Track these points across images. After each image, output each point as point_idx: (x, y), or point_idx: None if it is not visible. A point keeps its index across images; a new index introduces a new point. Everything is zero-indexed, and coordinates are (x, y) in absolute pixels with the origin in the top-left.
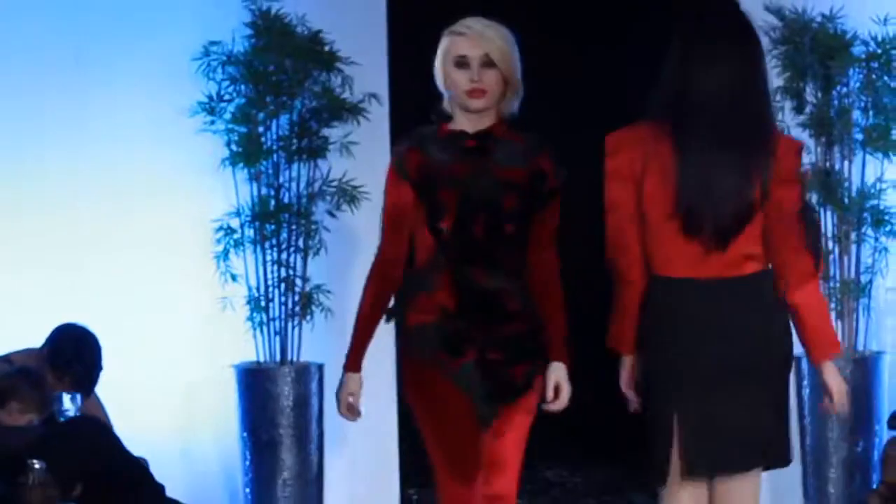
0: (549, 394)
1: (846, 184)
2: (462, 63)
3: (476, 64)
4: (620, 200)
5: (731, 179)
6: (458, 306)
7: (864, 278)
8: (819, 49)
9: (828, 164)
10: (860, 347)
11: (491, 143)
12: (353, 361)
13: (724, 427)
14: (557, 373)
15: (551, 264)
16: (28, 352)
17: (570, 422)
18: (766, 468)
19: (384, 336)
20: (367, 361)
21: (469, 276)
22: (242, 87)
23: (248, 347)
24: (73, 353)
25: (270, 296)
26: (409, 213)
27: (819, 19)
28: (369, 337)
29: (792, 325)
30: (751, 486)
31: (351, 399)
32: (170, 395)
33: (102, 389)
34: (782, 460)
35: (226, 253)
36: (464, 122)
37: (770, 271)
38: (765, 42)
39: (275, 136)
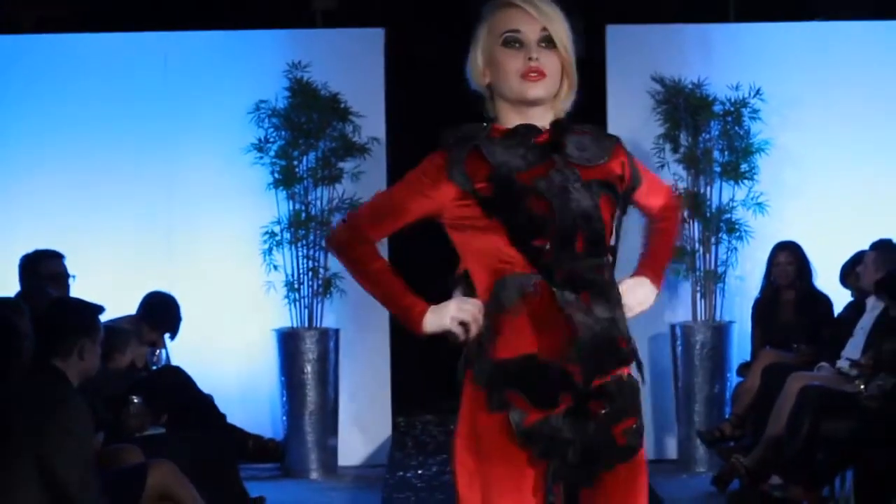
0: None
1: (708, 203)
2: (514, 40)
3: (534, 41)
4: None
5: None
6: (562, 343)
7: (720, 269)
8: (690, 107)
9: (695, 188)
10: (717, 318)
11: (564, 137)
12: (419, 311)
13: None
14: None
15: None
16: (128, 317)
17: None
18: None
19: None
20: (363, 315)
21: (573, 304)
22: (283, 132)
23: (285, 317)
24: (162, 308)
25: (301, 280)
26: (420, 217)
27: (690, 86)
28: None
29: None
30: None
31: (463, 314)
32: (231, 350)
33: (187, 346)
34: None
35: (270, 250)
36: (516, 121)
37: None
38: (650, 102)
39: (305, 168)
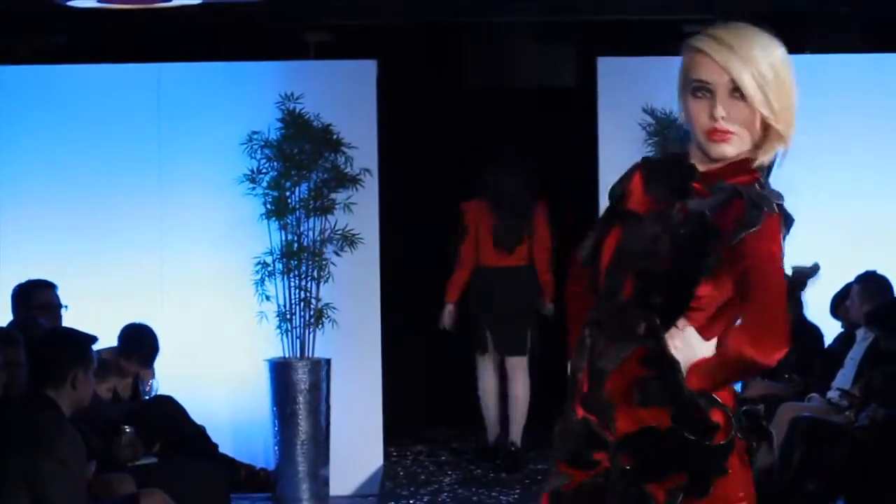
0: None
1: None
2: (701, 89)
3: (723, 92)
4: None
5: None
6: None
7: None
8: (681, 139)
9: None
10: None
11: (702, 185)
12: None
13: None
14: None
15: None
16: (108, 349)
17: None
18: None
19: (370, 319)
20: (355, 346)
21: (596, 351)
22: (275, 163)
23: (277, 347)
24: (136, 339)
25: (293, 311)
26: None
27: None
28: None
29: None
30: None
31: None
32: (223, 380)
33: (179, 376)
34: None
35: (262, 280)
36: (697, 161)
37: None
38: (641, 134)
39: (297, 199)
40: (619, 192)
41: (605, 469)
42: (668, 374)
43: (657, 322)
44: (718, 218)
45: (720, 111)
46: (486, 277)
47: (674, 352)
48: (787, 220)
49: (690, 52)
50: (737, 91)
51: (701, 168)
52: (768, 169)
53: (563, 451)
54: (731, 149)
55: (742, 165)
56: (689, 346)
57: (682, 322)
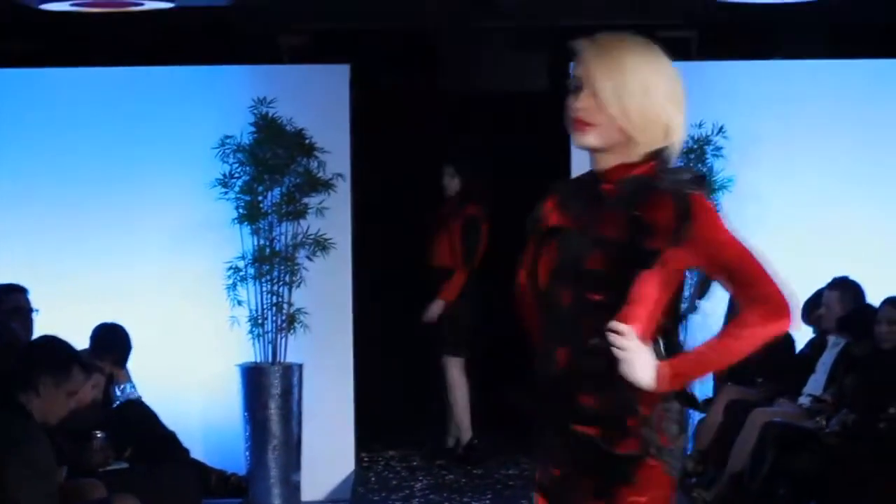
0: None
1: None
2: (572, 87)
3: (582, 87)
4: None
5: None
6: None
7: (683, 305)
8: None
9: None
10: None
11: (610, 186)
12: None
13: None
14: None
15: None
16: (82, 351)
17: None
18: None
19: (342, 324)
20: (327, 351)
21: (552, 360)
22: (248, 168)
23: (249, 352)
24: (109, 336)
25: (265, 316)
26: None
27: None
28: None
29: None
30: None
31: None
32: (194, 385)
33: (150, 381)
34: None
35: (234, 285)
36: (595, 164)
37: None
38: None
39: (270, 203)
40: (537, 218)
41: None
42: (605, 371)
43: (597, 319)
44: (646, 215)
45: (578, 104)
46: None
47: (622, 352)
48: (707, 187)
49: (574, 53)
50: (591, 85)
51: (602, 168)
52: (667, 156)
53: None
54: (594, 139)
55: (634, 160)
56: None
57: (623, 325)
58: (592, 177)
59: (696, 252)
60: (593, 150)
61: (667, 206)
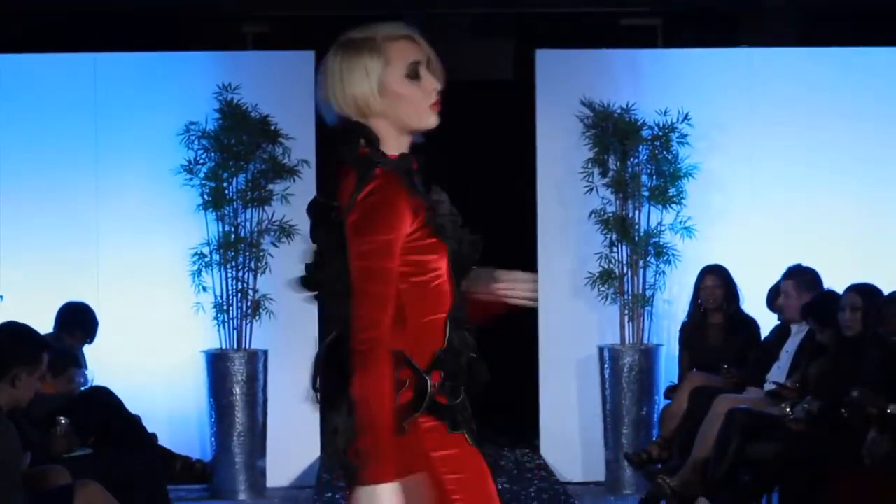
0: None
1: (637, 227)
2: (416, 71)
3: (434, 67)
4: None
5: None
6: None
7: (648, 293)
8: (618, 132)
9: (624, 212)
10: (645, 341)
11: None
12: (390, 470)
13: None
14: None
15: None
16: (48, 334)
17: None
18: None
19: (307, 311)
20: (292, 337)
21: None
22: (212, 154)
23: (214, 338)
24: (78, 313)
25: (230, 302)
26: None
27: (618, 111)
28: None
29: None
30: None
31: None
32: (159, 371)
33: (115, 367)
34: None
35: (199, 271)
36: (397, 147)
37: None
38: (579, 126)
39: (235, 190)
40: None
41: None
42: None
43: None
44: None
45: (437, 82)
46: None
47: None
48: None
49: (396, 42)
50: (429, 63)
51: (402, 150)
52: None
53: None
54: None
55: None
56: None
57: None
58: (406, 158)
59: None
60: (425, 131)
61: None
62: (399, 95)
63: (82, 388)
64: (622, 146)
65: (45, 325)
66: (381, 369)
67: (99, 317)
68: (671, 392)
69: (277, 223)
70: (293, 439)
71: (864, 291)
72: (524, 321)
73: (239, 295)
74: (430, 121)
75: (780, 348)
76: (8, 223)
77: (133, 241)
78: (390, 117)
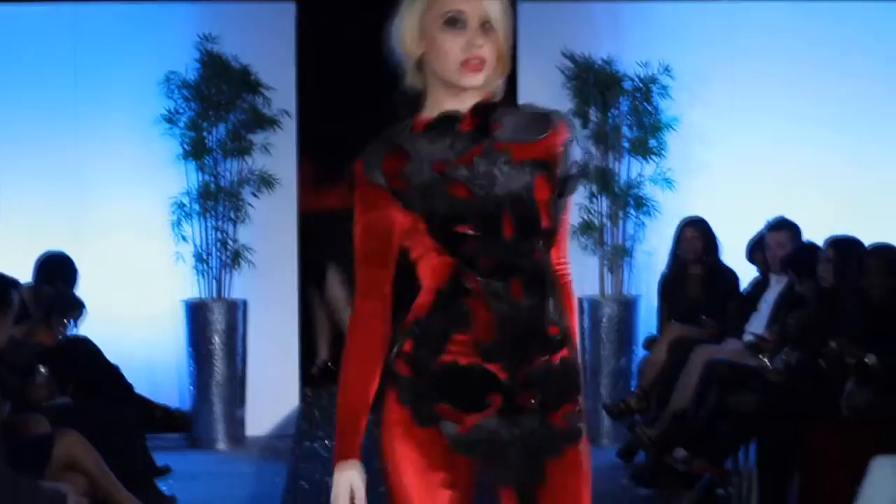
0: None
1: (617, 178)
2: (456, 21)
3: (475, 24)
4: None
5: None
6: (493, 339)
7: (628, 244)
8: (599, 83)
9: (604, 164)
10: (625, 292)
11: (491, 119)
12: (348, 448)
13: None
14: None
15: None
16: (27, 285)
17: None
18: None
19: (287, 261)
20: (271, 287)
21: (497, 293)
22: (193, 104)
23: (194, 287)
24: (57, 262)
25: (210, 252)
26: (396, 237)
27: (599, 62)
28: (362, 423)
29: None
30: None
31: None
32: (139, 321)
33: (95, 316)
34: None
35: (179, 221)
36: (446, 101)
37: None
38: (560, 78)
39: (215, 140)
40: (382, 177)
41: (498, 409)
42: (560, 296)
43: (543, 248)
44: (556, 141)
45: (479, 40)
46: None
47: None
48: None
49: None
50: (487, 22)
51: (456, 108)
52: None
53: (448, 396)
54: (483, 78)
55: (489, 95)
56: None
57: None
58: (451, 118)
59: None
60: (467, 90)
61: (561, 132)
62: (432, 41)
63: (61, 338)
64: (603, 98)
65: (24, 274)
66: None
67: (78, 267)
68: (650, 343)
69: (257, 173)
70: (272, 389)
71: (839, 244)
72: None
73: (219, 245)
74: (461, 79)
75: (759, 299)
76: None
77: (113, 190)
78: (430, 65)
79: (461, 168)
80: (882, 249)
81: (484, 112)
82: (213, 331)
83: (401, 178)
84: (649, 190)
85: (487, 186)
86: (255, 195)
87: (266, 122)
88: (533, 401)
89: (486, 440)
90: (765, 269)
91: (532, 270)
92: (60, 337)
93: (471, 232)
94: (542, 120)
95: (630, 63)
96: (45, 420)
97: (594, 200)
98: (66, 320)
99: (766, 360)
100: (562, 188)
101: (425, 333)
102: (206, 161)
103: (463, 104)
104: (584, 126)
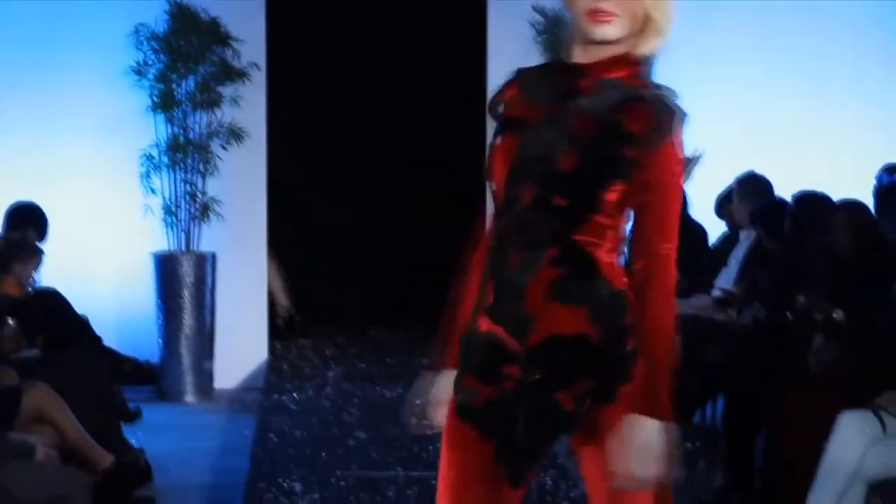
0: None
1: None
2: None
3: None
4: None
5: None
6: (494, 306)
7: None
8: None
9: None
10: None
11: (589, 82)
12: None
13: None
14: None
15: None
16: None
17: None
18: None
19: (256, 214)
20: (240, 240)
21: (501, 260)
22: (162, 56)
23: (163, 240)
24: (28, 211)
25: (179, 204)
26: None
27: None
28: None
29: None
30: None
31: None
32: (107, 273)
33: (63, 268)
34: None
35: (148, 173)
36: (579, 57)
37: None
38: (530, 32)
39: (184, 92)
40: (496, 106)
41: (514, 382)
42: (584, 272)
43: (561, 224)
44: (627, 120)
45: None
46: None
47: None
48: (684, 118)
49: None
50: None
51: (583, 61)
52: (650, 64)
53: (469, 364)
54: (614, 31)
55: (623, 57)
56: None
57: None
58: (565, 68)
59: (646, 166)
60: (601, 43)
61: (648, 117)
62: None
63: (30, 290)
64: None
65: None
66: None
67: (48, 217)
68: None
69: (227, 126)
70: (240, 342)
71: (805, 199)
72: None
73: (188, 197)
74: (589, 30)
75: (727, 255)
76: None
77: (81, 142)
78: (571, 15)
79: (527, 120)
80: (848, 205)
81: (579, 74)
82: (182, 283)
83: (505, 111)
84: None
85: (529, 149)
86: (224, 148)
87: (235, 75)
88: (536, 376)
89: (487, 415)
90: (734, 225)
91: (536, 239)
92: (29, 289)
93: (494, 188)
94: (653, 111)
95: None
96: (14, 372)
97: None
98: (32, 270)
99: (734, 314)
100: (612, 171)
101: (478, 297)
102: (175, 113)
103: (587, 57)
104: None
